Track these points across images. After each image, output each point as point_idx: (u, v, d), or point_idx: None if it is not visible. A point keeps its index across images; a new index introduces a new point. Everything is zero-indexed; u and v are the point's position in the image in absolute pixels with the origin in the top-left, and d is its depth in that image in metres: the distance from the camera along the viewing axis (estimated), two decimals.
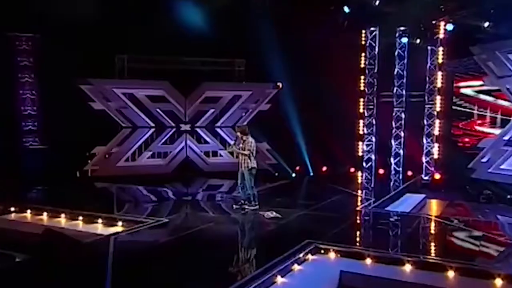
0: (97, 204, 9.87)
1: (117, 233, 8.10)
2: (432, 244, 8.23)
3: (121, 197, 12.40)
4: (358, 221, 9.50)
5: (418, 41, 13.92)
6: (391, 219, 9.64)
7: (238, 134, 9.75)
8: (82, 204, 9.56)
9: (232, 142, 9.95)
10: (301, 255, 6.82)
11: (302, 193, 12.90)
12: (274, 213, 9.06)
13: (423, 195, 11.67)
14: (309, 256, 6.96)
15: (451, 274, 6.27)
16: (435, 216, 9.84)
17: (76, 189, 12.56)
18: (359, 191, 12.53)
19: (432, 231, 9.07)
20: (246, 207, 9.67)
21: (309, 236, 7.39)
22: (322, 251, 7.10)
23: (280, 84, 15.10)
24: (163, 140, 15.07)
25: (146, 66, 14.46)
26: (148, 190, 12.56)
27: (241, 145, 9.67)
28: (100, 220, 8.98)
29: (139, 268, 6.42)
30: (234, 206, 9.83)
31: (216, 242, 7.84)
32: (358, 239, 8.29)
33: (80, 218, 9.14)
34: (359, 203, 11.04)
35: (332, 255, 7.04)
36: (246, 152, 9.42)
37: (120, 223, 8.80)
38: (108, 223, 8.81)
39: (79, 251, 6.61)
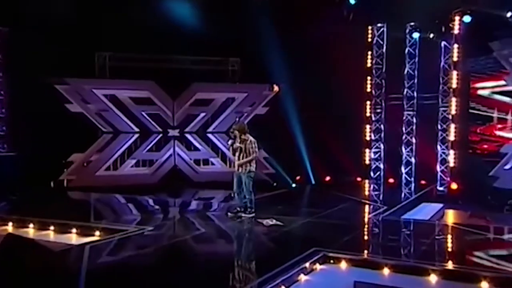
0: (72, 214, 9.53)
1: (93, 242, 7.74)
2: (455, 252, 7.99)
3: (100, 207, 12.10)
4: (371, 229, 9.36)
5: (431, 35, 13.66)
6: (408, 227, 9.52)
7: (236, 133, 9.34)
8: (55, 214, 9.24)
9: (229, 143, 9.50)
10: (307, 264, 6.52)
11: (304, 201, 12.81)
12: (274, 220, 8.91)
13: (440, 205, 11.48)
14: (317, 266, 6.63)
15: (478, 283, 5.97)
16: (457, 224, 9.62)
17: (49, 199, 12.18)
18: (368, 200, 12.39)
19: (455, 240, 8.83)
20: (243, 214, 9.42)
21: (316, 244, 7.20)
22: (332, 261, 6.82)
23: (276, 87, 14.95)
24: (148, 147, 14.74)
25: (130, 64, 14.17)
26: (131, 200, 12.25)
27: (237, 144, 9.32)
28: (74, 230, 8.55)
29: (116, 280, 6.13)
30: (229, 213, 9.57)
31: (209, 251, 7.59)
32: (371, 247, 8.06)
33: (52, 227, 8.72)
34: (369, 211, 10.92)
35: (343, 264, 6.73)
36: (253, 156, 9.14)
37: (97, 232, 8.39)
38: (83, 233, 8.41)
39: (47, 259, 5.90)
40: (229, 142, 9.46)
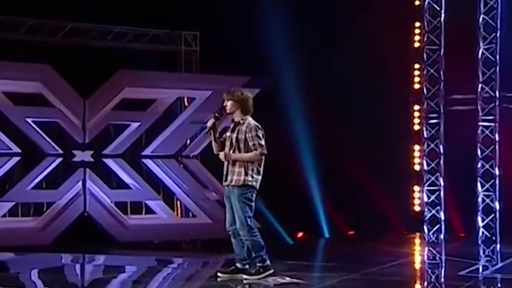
0: None
1: None
2: None
3: None
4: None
5: None
6: None
7: (228, 105, 8.28)
8: None
9: (208, 124, 8.38)
10: None
11: (329, 255, 13.06)
12: (288, 278, 8.53)
13: None
14: None
15: None
16: None
17: None
18: (437, 255, 12.11)
19: None
20: (246, 276, 8.46)
21: None
22: None
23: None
24: (37, 180, 13.10)
25: (6, 35, 13.03)
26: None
27: (228, 133, 8.42)
28: None
29: None
30: (220, 274, 8.73)
31: None
32: None
33: None
34: (456, 268, 10.31)
35: None
36: (252, 155, 8.25)
37: None
38: None
39: None
40: (209, 123, 8.36)
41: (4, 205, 12.83)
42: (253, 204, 8.35)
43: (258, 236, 8.33)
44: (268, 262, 8.33)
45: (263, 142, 8.23)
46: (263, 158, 8.30)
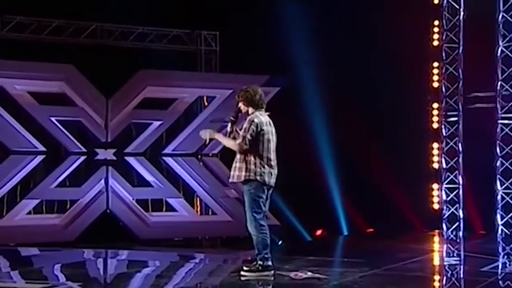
0: None
1: None
2: None
3: None
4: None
5: None
6: None
7: (241, 106, 8.38)
8: None
9: (227, 129, 8.54)
10: None
11: (350, 251, 12.94)
12: (310, 273, 8.65)
13: None
14: None
15: None
16: None
17: None
18: (457, 252, 12.21)
19: None
20: (243, 273, 8.41)
21: None
22: None
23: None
24: (61, 178, 13.19)
25: (31, 36, 13.18)
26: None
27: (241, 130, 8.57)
28: None
29: None
30: (244, 268, 8.65)
31: None
32: None
33: None
34: (473, 265, 10.49)
35: None
36: (233, 143, 8.30)
37: None
38: None
39: None
40: (228, 128, 8.49)
41: (29, 203, 12.90)
42: (261, 199, 8.19)
43: (265, 235, 8.25)
44: (269, 262, 8.27)
45: (248, 136, 8.04)
46: (272, 148, 8.11)
